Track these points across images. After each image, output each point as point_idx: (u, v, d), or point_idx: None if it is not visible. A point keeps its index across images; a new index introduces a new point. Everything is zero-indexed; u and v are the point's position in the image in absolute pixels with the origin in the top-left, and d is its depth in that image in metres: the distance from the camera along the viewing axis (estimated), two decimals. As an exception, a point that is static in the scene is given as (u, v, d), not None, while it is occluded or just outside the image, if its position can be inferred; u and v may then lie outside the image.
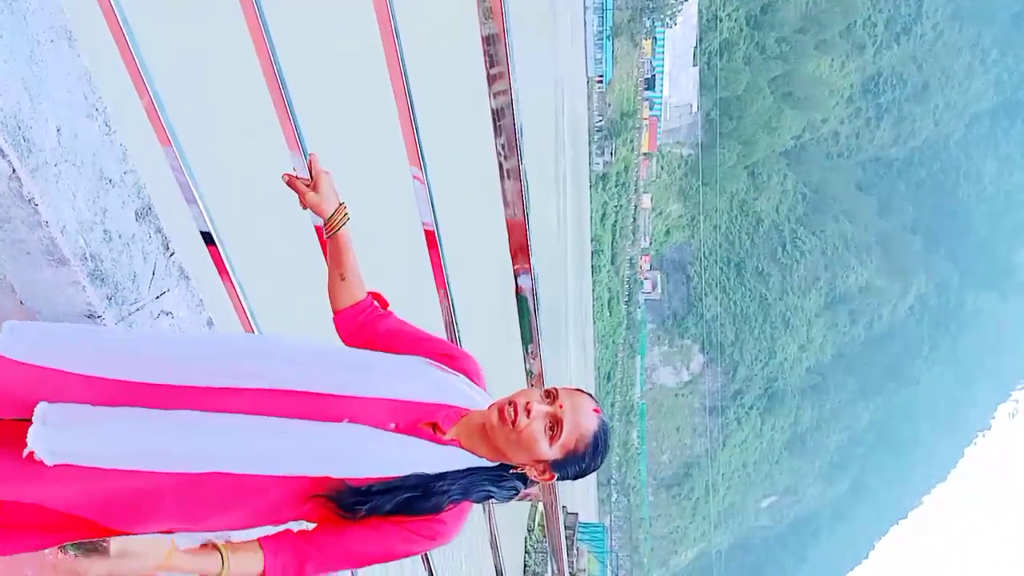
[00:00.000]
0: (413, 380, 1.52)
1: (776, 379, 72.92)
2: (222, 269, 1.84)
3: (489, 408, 1.48)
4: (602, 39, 50.61)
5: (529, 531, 23.40)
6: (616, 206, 57.56)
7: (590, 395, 1.52)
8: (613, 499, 68.38)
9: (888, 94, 70.11)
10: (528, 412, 1.42)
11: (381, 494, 1.38)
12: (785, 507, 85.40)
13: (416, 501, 1.41)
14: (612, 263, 59.05)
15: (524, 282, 1.45)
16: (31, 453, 1.25)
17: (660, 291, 67.13)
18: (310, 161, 1.64)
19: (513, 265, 1.46)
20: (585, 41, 48.85)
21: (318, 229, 1.68)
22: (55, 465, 1.26)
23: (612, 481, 67.82)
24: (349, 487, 1.37)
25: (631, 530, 71.49)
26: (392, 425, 1.44)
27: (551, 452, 1.45)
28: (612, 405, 64.04)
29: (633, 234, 62.47)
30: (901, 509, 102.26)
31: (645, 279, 66.13)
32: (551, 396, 1.47)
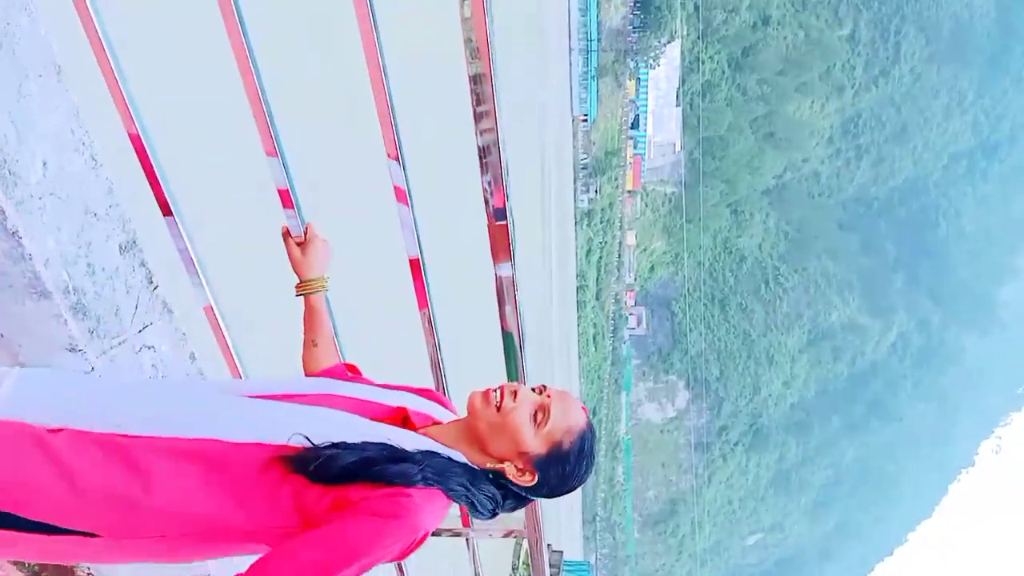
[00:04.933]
0: (379, 392, 1.47)
1: (761, 415, 72.87)
2: (208, 309, 1.84)
3: (471, 396, 1.39)
4: (587, 79, 51.33)
5: (514, 569, 23.11)
6: (601, 242, 57.87)
7: (577, 398, 1.46)
8: (598, 536, 67.71)
9: (867, 135, 71.29)
10: (515, 396, 1.35)
11: (346, 448, 1.26)
12: (771, 545, 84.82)
13: (382, 462, 1.26)
14: (597, 298, 59.18)
15: (510, 318, 1.44)
16: None
17: (645, 327, 67.26)
18: (307, 226, 1.66)
19: (498, 300, 1.46)
20: (571, 81, 49.53)
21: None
22: None
23: (597, 518, 67.20)
24: (314, 445, 1.25)
25: (616, 568, 70.72)
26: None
27: (536, 442, 1.34)
28: (598, 441, 63.53)
29: (618, 270, 62.74)
30: (887, 546, 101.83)
31: (630, 315, 66.26)
32: (539, 389, 1.40)
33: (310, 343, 1.65)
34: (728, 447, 72.58)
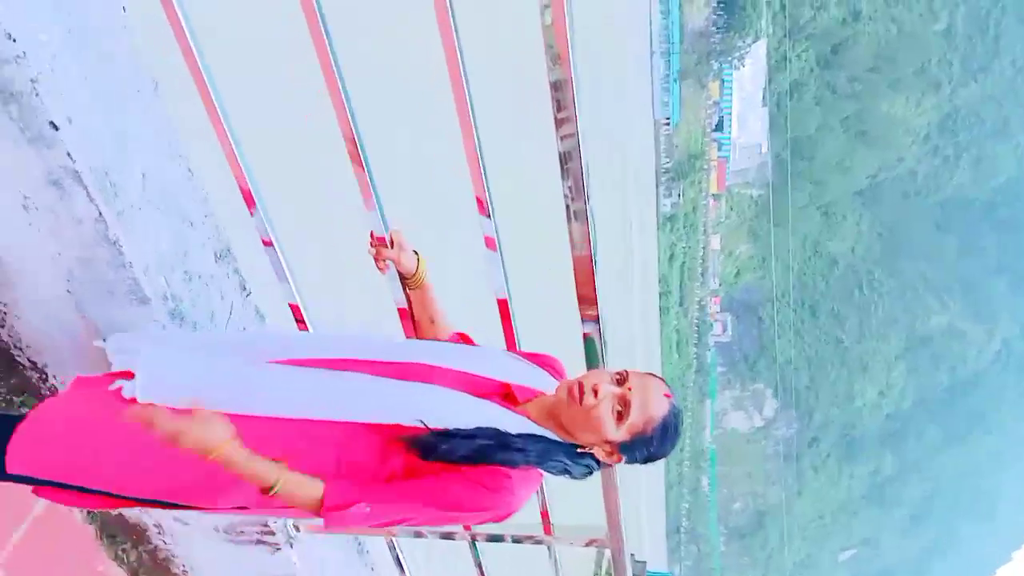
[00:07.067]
0: (488, 361, 1.57)
1: (854, 426, 70.34)
2: (295, 308, 1.89)
3: (558, 386, 1.51)
4: (668, 82, 50.73)
5: (596, 578, 22.91)
6: (684, 247, 57.05)
7: (661, 379, 1.51)
8: (683, 548, 66.59)
9: (966, 132, 68.06)
10: (596, 392, 1.42)
11: (459, 437, 1.40)
12: (864, 561, 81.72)
13: (491, 450, 1.41)
14: (680, 304, 58.36)
15: (591, 325, 1.43)
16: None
17: (731, 333, 65.83)
18: (392, 233, 1.72)
19: (580, 307, 1.45)
20: (652, 84, 49.04)
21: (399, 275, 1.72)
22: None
23: (682, 529, 66.12)
24: (430, 429, 1.40)
25: (701, 580, 69.37)
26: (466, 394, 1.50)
27: (618, 434, 1.44)
28: (681, 450, 62.63)
29: (702, 275, 61.70)
30: (988, 565, 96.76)
31: (715, 321, 65.01)
32: (621, 378, 1.46)
33: (428, 322, 1.76)
34: (819, 458, 70.30)
